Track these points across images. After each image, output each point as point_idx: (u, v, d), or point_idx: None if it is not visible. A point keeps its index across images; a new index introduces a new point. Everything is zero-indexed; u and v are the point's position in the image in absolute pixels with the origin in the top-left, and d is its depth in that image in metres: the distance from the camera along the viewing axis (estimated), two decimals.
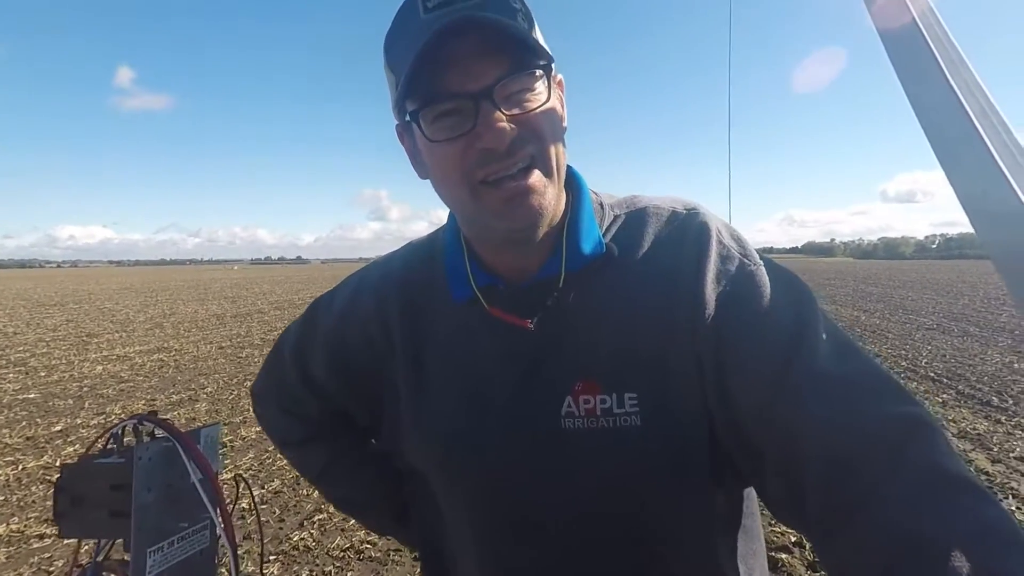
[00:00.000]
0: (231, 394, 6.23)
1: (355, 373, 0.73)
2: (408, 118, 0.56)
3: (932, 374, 6.68)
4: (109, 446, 0.56)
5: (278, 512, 2.73)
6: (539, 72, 0.54)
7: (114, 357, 8.52)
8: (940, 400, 5.53)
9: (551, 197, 0.57)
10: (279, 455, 4.34)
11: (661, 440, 0.57)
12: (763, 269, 0.58)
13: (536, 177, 0.55)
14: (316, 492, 3.67)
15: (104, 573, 0.54)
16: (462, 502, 0.66)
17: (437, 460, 0.66)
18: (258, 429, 4.96)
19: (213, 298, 20.88)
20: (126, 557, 0.54)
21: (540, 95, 0.55)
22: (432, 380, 0.66)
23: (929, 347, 8.47)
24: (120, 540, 0.53)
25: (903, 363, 7.39)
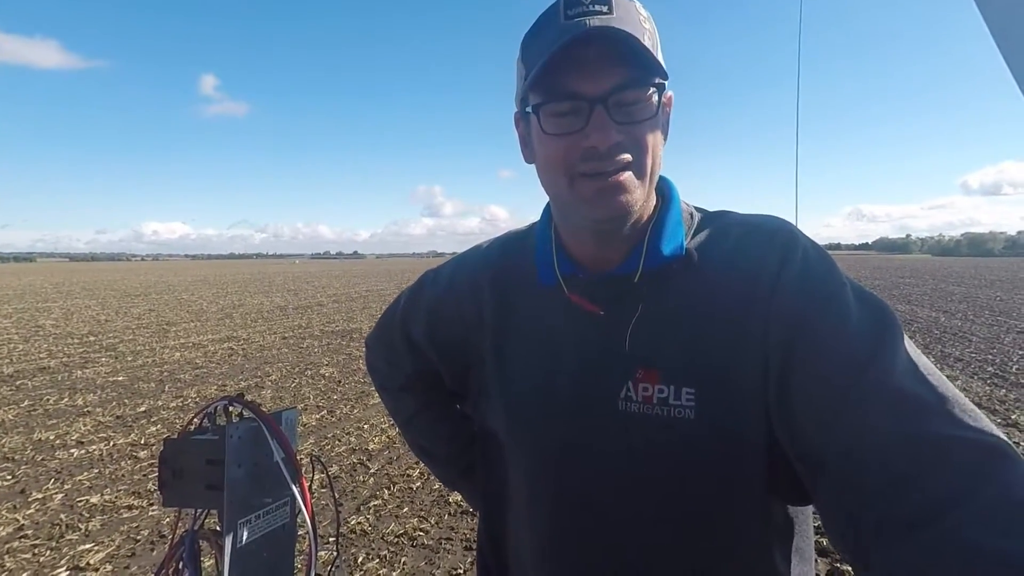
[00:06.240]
0: (293, 382, 6.58)
1: (447, 342, 0.81)
2: (529, 109, 0.62)
3: None
4: (204, 424, 0.62)
5: (336, 496, 2.90)
6: (652, 89, 0.59)
7: (190, 345, 9.20)
8: None
9: (639, 197, 0.61)
10: (337, 441, 4.56)
11: (712, 437, 0.59)
12: (848, 288, 0.57)
13: (627, 177, 0.60)
14: (372, 479, 3.84)
15: (200, 541, 0.59)
16: (523, 466, 0.71)
17: (507, 425, 0.72)
18: (318, 416, 5.23)
19: (277, 291, 22.09)
20: (217, 528, 0.58)
21: (649, 108, 0.59)
22: (513, 354, 0.72)
23: (1021, 351, 7.73)
24: (212, 512, 0.58)
25: (989, 368, 6.79)
